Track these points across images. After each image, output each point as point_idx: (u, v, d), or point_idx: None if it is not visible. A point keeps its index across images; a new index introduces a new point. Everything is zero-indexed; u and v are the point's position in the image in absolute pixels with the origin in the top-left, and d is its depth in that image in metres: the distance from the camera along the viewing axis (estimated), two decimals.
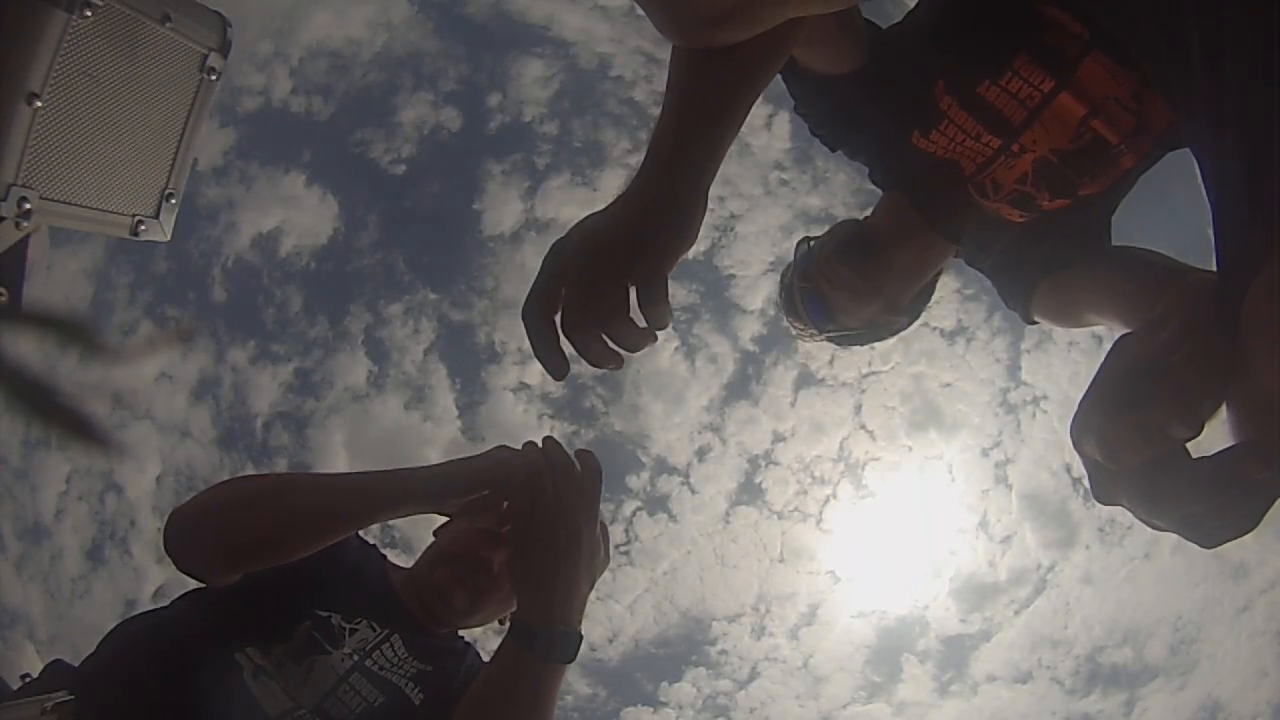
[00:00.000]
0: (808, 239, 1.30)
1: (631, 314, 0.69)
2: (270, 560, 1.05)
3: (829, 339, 1.32)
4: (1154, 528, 0.48)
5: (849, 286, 1.22)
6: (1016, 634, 8.65)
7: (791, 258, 1.33)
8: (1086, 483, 0.50)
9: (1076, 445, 0.50)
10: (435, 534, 1.32)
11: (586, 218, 0.71)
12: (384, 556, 1.33)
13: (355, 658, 1.11)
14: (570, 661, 1.01)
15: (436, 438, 8.53)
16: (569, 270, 0.69)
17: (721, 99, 0.69)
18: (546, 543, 1.03)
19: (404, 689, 1.13)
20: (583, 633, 1.04)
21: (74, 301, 7.33)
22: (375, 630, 1.15)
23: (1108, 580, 8.60)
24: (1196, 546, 0.48)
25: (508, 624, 1.06)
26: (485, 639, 1.36)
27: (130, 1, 1.24)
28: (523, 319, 0.69)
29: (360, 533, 1.32)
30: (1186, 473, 0.45)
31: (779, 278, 1.38)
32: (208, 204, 8.00)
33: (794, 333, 1.35)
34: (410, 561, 1.35)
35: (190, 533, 1.05)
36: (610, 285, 0.67)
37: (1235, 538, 0.45)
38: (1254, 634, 8.10)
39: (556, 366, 0.69)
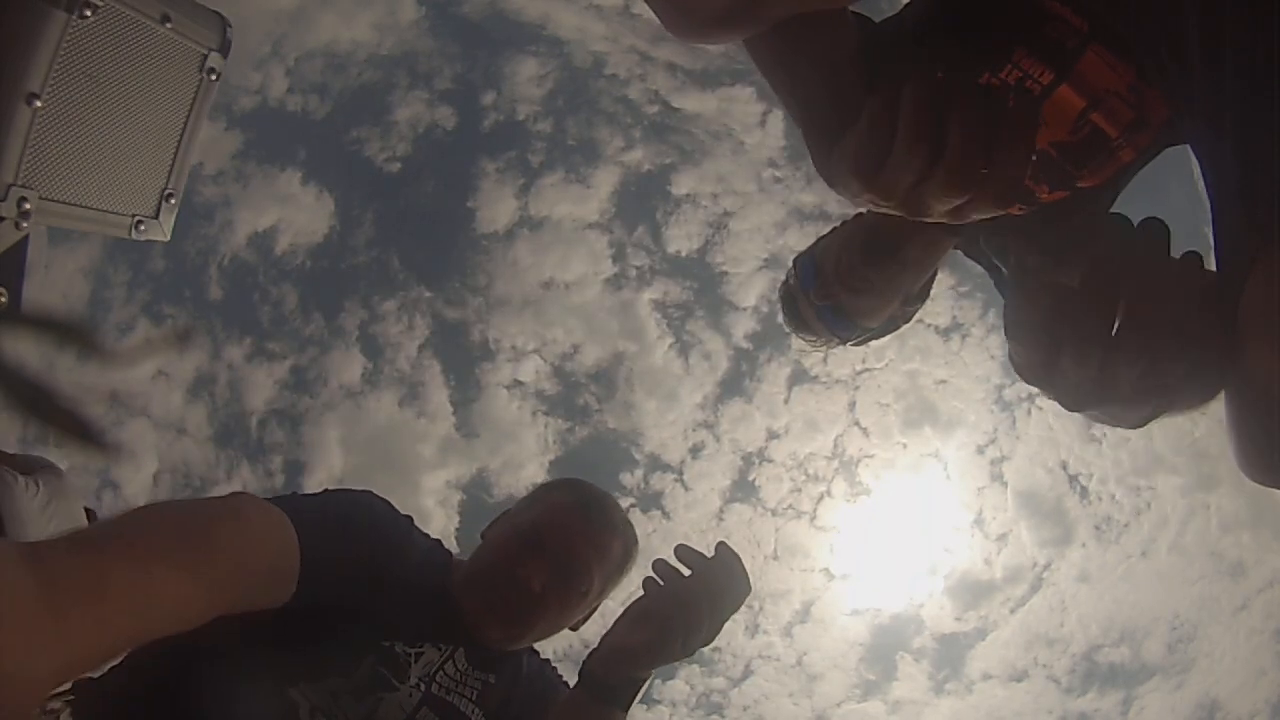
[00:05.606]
0: (804, 254, 1.31)
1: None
2: None
3: (853, 344, 1.34)
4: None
5: (874, 290, 1.24)
6: (1012, 632, 8.68)
7: (789, 272, 1.35)
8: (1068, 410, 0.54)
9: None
10: (483, 536, 1.25)
11: None
12: (449, 555, 1.24)
13: (422, 687, 1.06)
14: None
15: (430, 434, 8.55)
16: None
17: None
18: (671, 645, 1.04)
19: (470, 715, 1.10)
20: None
21: (72, 300, 7.32)
22: (440, 650, 1.10)
23: (1104, 578, 8.63)
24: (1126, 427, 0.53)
25: (581, 670, 1.04)
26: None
27: (130, 2, 1.24)
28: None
29: (420, 528, 1.23)
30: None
31: (779, 300, 1.39)
32: (204, 202, 8.01)
33: (808, 348, 1.37)
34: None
35: None
36: None
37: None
38: (1251, 632, 8.14)
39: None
